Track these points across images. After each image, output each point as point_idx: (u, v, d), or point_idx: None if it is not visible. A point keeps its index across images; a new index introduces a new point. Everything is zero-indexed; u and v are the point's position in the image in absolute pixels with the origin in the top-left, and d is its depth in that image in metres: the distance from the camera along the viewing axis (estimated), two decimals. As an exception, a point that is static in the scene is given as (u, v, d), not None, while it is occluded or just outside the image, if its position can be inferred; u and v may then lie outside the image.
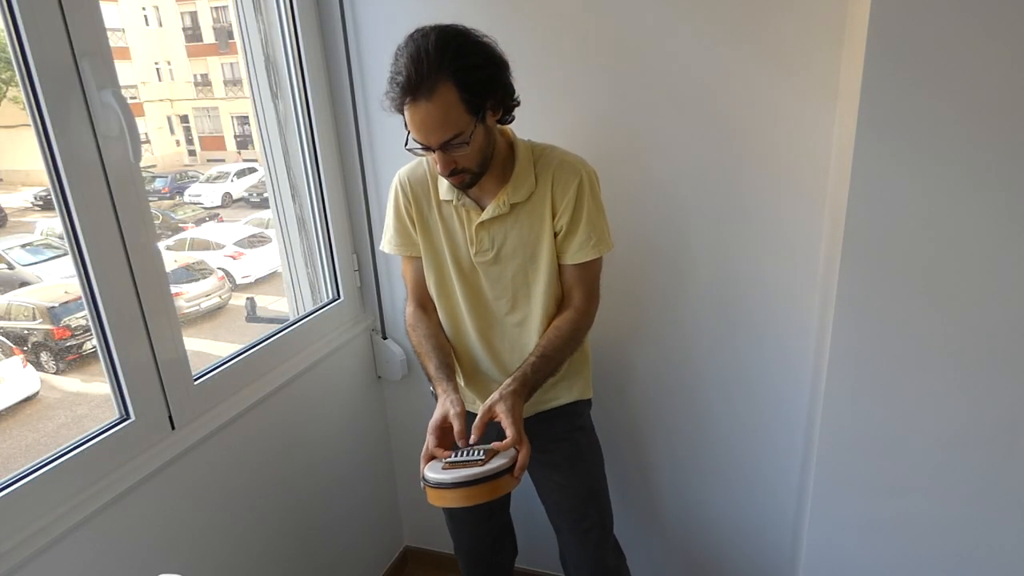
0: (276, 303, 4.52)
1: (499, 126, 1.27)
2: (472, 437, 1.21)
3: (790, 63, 1.39)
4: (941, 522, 1.33)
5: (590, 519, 1.51)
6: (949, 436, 1.27)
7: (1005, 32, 1.04)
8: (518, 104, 1.26)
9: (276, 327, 1.70)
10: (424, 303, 1.46)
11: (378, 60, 1.70)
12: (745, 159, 1.49)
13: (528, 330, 1.39)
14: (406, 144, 1.20)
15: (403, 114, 1.15)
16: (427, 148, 1.17)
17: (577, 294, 1.35)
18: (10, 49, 1.06)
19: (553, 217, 1.30)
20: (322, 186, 1.79)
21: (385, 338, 1.98)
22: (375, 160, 1.81)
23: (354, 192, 1.85)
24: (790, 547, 1.77)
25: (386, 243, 1.45)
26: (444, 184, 1.31)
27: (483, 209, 1.30)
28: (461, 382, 1.45)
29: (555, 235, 1.32)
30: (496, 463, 1.16)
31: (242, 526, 1.56)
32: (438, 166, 1.19)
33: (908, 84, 1.10)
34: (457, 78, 1.11)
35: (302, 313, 1.81)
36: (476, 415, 1.27)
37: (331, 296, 1.90)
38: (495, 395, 1.24)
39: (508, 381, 1.26)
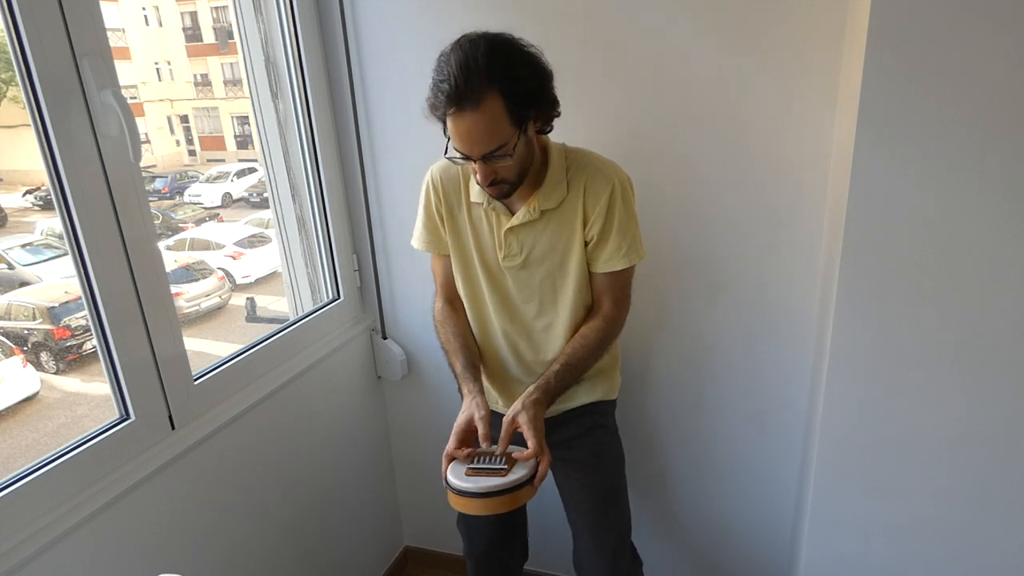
0: (276, 303, 4.52)
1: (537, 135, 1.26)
2: (499, 449, 1.24)
3: (790, 63, 1.39)
4: (941, 523, 1.33)
5: (610, 522, 1.49)
6: (949, 436, 1.27)
7: (1005, 32, 1.04)
8: (559, 115, 1.24)
9: (276, 327, 1.70)
10: (453, 299, 1.46)
11: (378, 60, 1.70)
12: (744, 159, 1.49)
13: (554, 335, 1.38)
14: (446, 152, 1.19)
15: (445, 123, 1.14)
16: (467, 158, 1.16)
17: (607, 302, 1.34)
18: (10, 49, 1.06)
19: (584, 225, 1.29)
20: (322, 186, 1.79)
21: (385, 338, 1.98)
22: (375, 160, 1.81)
23: (354, 192, 1.85)
24: (790, 547, 1.77)
25: (415, 239, 1.45)
26: (475, 186, 1.30)
27: (513, 214, 1.30)
28: (485, 380, 1.45)
29: (586, 243, 1.30)
30: (517, 474, 1.20)
31: (242, 526, 1.56)
32: (477, 176, 1.19)
33: (908, 84, 1.10)
34: (504, 89, 1.10)
35: (302, 313, 1.81)
36: (500, 414, 1.27)
37: (331, 296, 1.90)
38: (517, 405, 1.25)
39: (531, 389, 1.27)
